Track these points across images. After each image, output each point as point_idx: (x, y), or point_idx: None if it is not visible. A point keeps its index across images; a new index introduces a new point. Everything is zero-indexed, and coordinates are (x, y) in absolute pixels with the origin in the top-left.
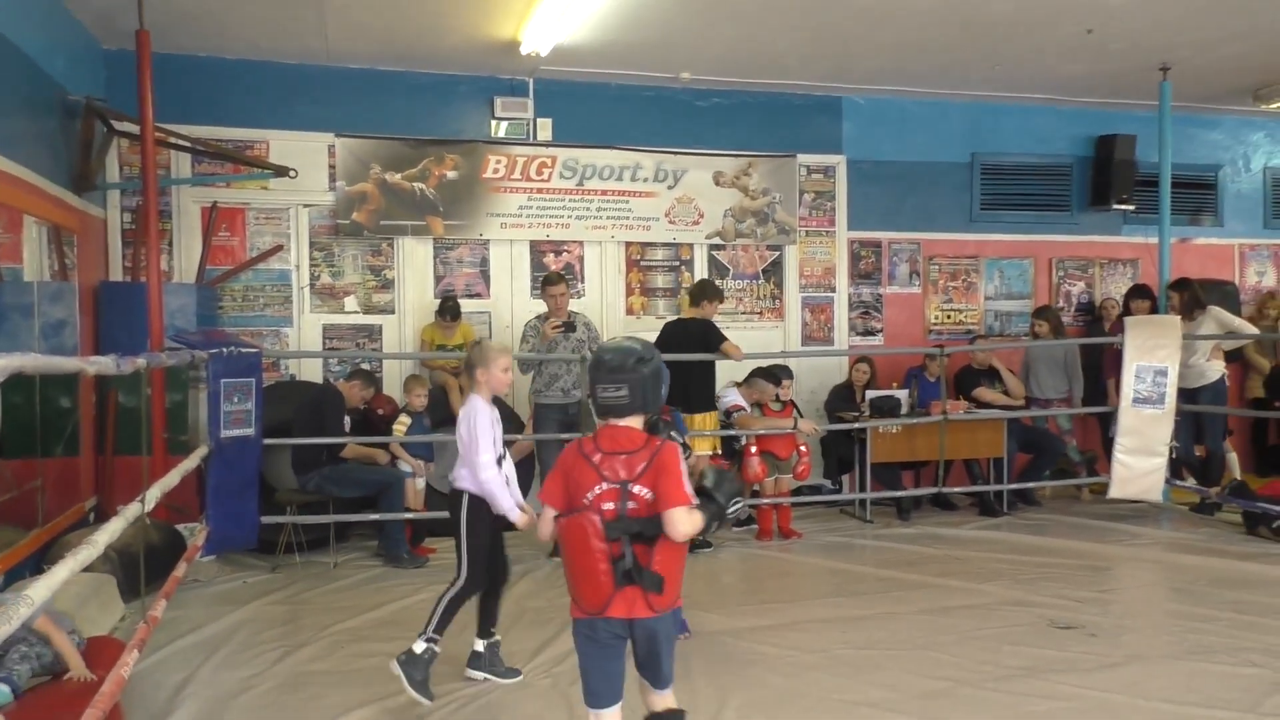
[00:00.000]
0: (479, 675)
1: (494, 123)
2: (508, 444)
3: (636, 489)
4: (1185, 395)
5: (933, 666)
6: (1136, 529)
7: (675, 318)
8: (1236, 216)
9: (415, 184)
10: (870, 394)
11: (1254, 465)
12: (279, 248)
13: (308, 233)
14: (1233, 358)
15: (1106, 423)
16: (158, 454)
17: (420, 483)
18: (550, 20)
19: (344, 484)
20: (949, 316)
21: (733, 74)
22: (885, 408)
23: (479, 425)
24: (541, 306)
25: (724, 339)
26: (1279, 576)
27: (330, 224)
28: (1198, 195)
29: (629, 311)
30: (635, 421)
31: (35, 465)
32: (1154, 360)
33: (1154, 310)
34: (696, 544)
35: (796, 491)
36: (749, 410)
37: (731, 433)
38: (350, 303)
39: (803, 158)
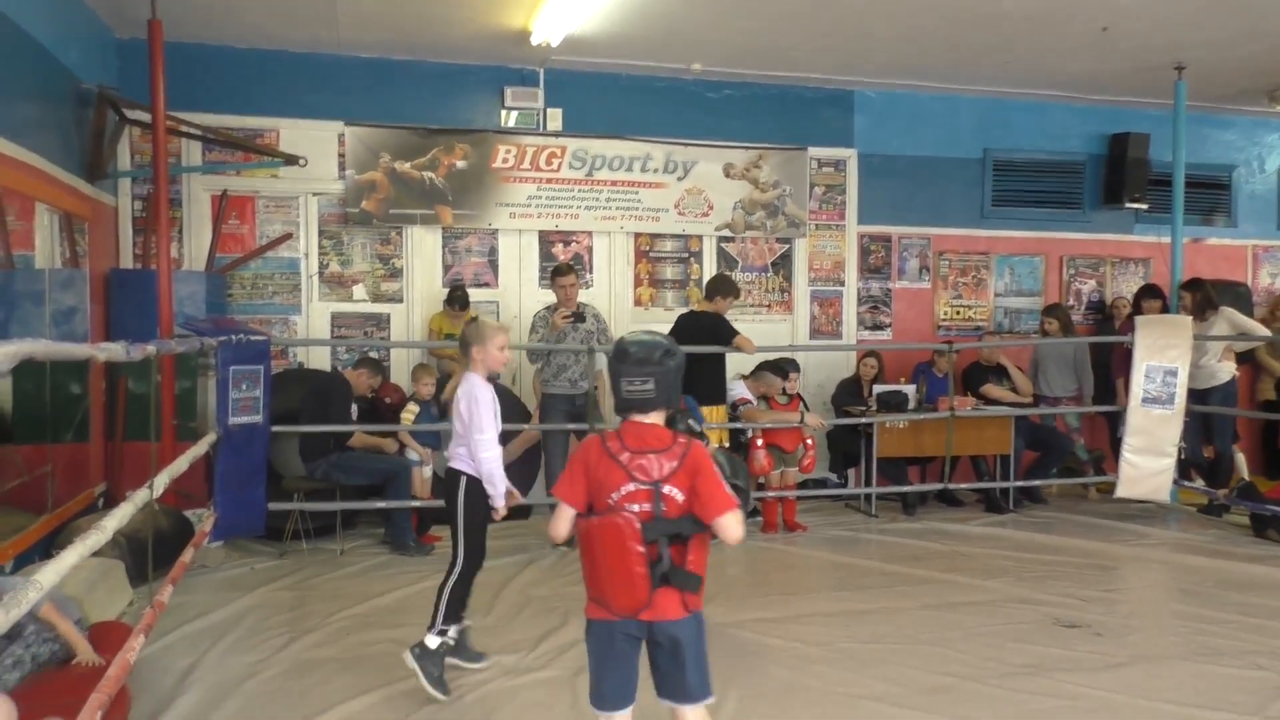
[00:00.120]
0: (411, 663)
1: (504, 112)
2: (512, 433)
3: (668, 490)
4: (1195, 396)
5: (937, 662)
6: (1143, 529)
7: (688, 310)
8: (1250, 217)
9: (424, 173)
10: (878, 389)
11: (1263, 467)
12: (288, 236)
13: (317, 221)
14: (1244, 359)
15: (1114, 422)
16: (167, 440)
17: (427, 471)
18: (561, 10)
19: (351, 472)
20: (958, 312)
21: (744, 66)
22: (892, 403)
23: (480, 403)
24: (550, 297)
25: (736, 333)
26: None
27: (339, 212)
28: (1211, 195)
29: (637, 303)
30: (659, 417)
31: (45, 451)
32: (1164, 360)
33: (1165, 310)
34: None
35: (802, 485)
36: (755, 403)
37: (738, 425)
38: (359, 291)
39: (813, 151)
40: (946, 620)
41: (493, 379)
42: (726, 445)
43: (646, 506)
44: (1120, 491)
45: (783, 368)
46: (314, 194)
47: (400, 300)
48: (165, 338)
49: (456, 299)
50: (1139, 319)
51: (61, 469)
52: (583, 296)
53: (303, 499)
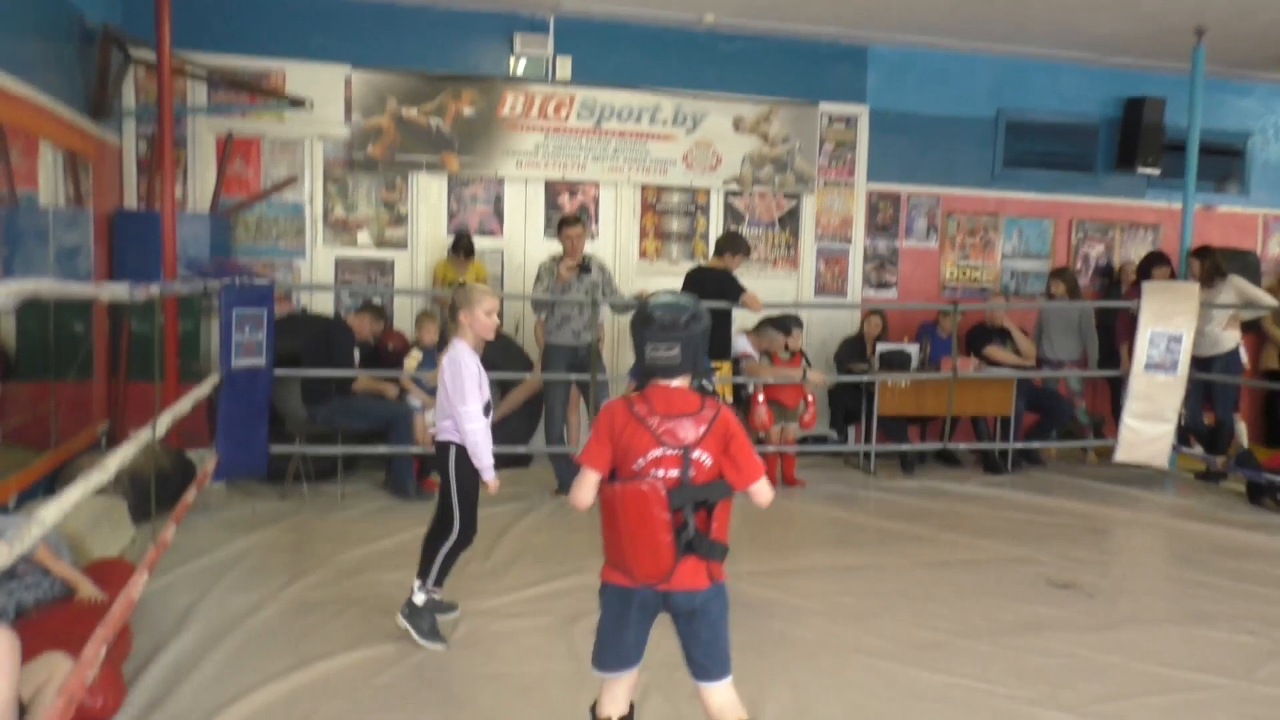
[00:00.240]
0: (403, 623)
1: (512, 59)
2: (513, 383)
3: (697, 455)
4: (1198, 363)
5: (929, 618)
6: (1140, 493)
7: (696, 265)
8: (1263, 186)
9: (431, 119)
10: (881, 347)
11: (1263, 436)
12: (293, 179)
13: (322, 165)
14: (1249, 328)
15: (1116, 387)
16: (170, 381)
17: (429, 417)
18: None
19: (353, 416)
20: (964, 273)
21: (757, 18)
22: (895, 362)
23: (464, 373)
24: (554, 246)
25: (743, 290)
26: None
27: (345, 157)
28: (1225, 162)
29: (643, 255)
30: (684, 381)
31: (48, 388)
32: (1169, 326)
33: (1173, 277)
34: None
35: (802, 441)
36: (758, 358)
37: (740, 380)
38: (363, 237)
39: (825, 106)
40: (940, 578)
41: (483, 345)
42: (730, 401)
43: (674, 472)
44: (1119, 456)
45: (785, 324)
46: (319, 138)
47: (405, 247)
48: (169, 279)
49: (462, 247)
50: (1146, 284)
51: (64, 407)
52: (588, 248)
53: (304, 442)
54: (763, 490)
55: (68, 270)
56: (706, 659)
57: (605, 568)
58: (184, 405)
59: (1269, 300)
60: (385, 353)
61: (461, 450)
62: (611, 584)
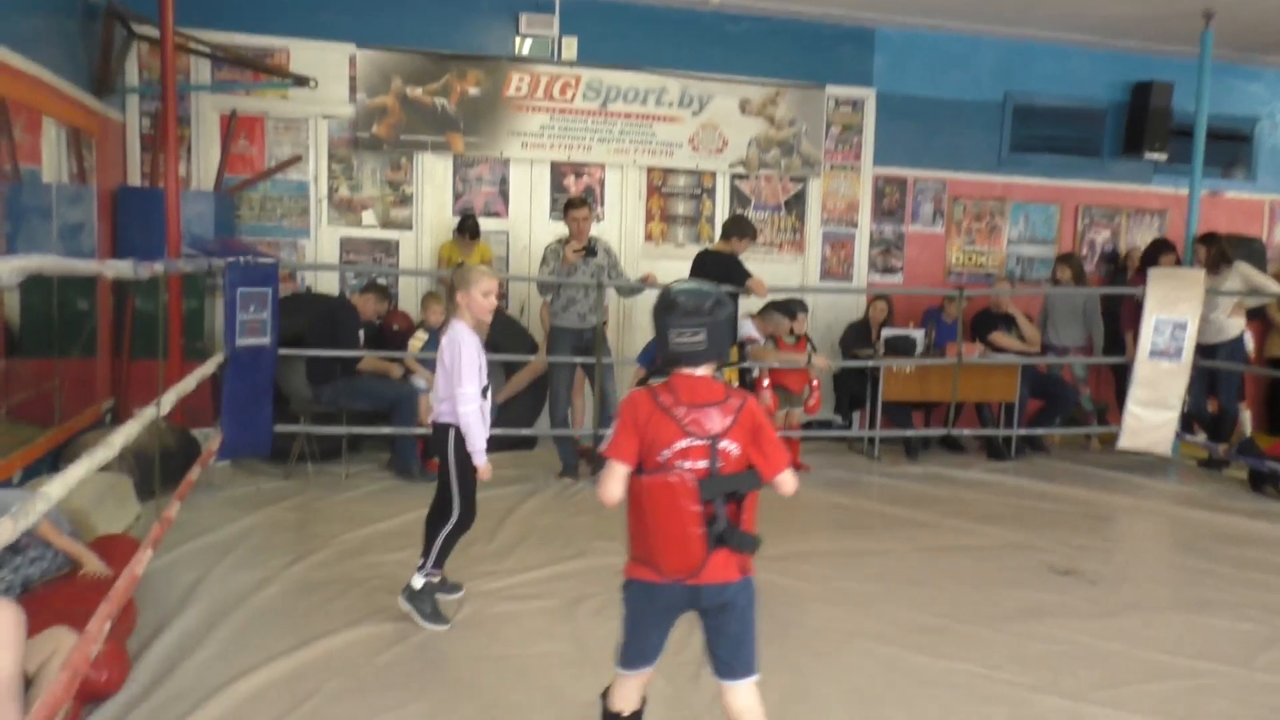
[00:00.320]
0: (405, 605)
1: (518, 39)
2: (518, 366)
3: (725, 445)
4: (1203, 350)
5: (930, 603)
6: (1143, 480)
7: (704, 249)
8: (1271, 172)
9: (436, 99)
10: (886, 332)
11: (1266, 424)
12: (297, 158)
13: (327, 144)
14: (1254, 315)
15: (1121, 374)
16: (174, 359)
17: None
18: None
19: (358, 397)
20: (970, 259)
21: None
22: (900, 347)
23: (464, 354)
24: (560, 229)
25: (749, 274)
26: None
27: (349, 136)
28: (1232, 147)
29: (648, 238)
30: (709, 369)
31: (53, 365)
32: (1174, 313)
33: (1178, 264)
34: None
35: (806, 426)
36: (763, 343)
37: (744, 364)
38: (368, 216)
39: (831, 89)
40: (942, 563)
41: (487, 326)
42: (735, 385)
43: (702, 463)
44: (1122, 443)
45: (790, 308)
46: (324, 117)
47: (410, 227)
48: (173, 257)
49: (468, 228)
50: (1151, 271)
51: (69, 384)
52: (593, 230)
53: (309, 422)
54: (788, 480)
55: (71, 247)
56: (733, 656)
57: (630, 564)
58: (188, 383)
59: (1275, 287)
60: (390, 333)
61: (460, 433)
62: (638, 580)
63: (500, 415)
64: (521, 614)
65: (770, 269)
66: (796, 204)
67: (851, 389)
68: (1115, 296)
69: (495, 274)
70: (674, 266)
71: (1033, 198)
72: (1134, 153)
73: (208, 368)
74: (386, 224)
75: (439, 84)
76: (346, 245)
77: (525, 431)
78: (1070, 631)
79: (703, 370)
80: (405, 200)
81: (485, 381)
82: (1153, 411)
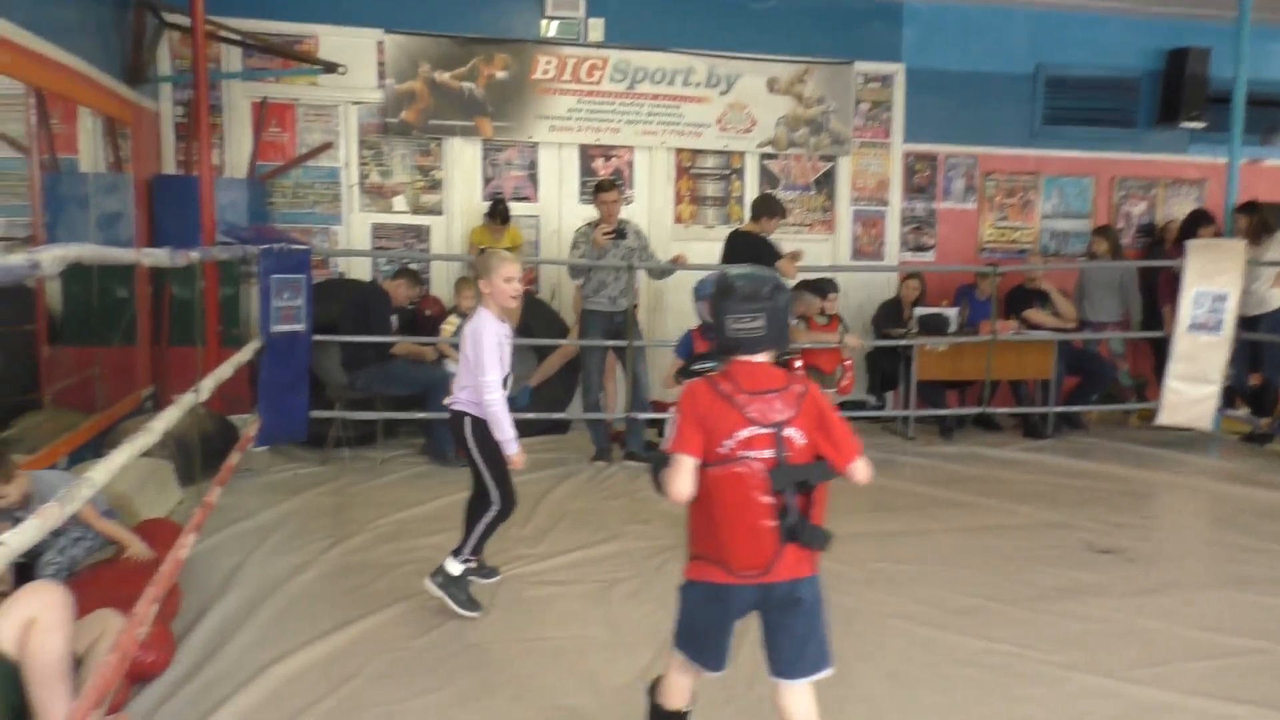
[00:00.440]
0: (436, 590)
1: (544, 22)
2: (550, 349)
3: (789, 433)
4: (1244, 323)
5: (967, 584)
6: (1183, 456)
7: (734, 230)
8: None
9: (464, 84)
10: (919, 311)
11: None
12: (328, 145)
13: (357, 131)
14: None
15: (1159, 348)
16: (211, 346)
17: None
18: None
19: (392, 382)
20: (1004, 235)
21: None
22: (933, 325)
23: (484, 343)
24: (590, 212)
25: (779, 256)
26: None
27: (379, 122)
28: (1272, 114)
29: (678, 220)
30: (768, 356)
31: (94, 353)
32: (1214, 286)
33: (1218, 235)
34: None
35: (839, 406)
36: (794, 323)
37: None
38: (399, 202)
39: (860, 65)
40: (979, 543)
41: (517, 314)
42: None
43: (768, 453)
44: (1162, 418)
45: (821, 288)
46: (353, 103)
47: (440, 213)
48: (208, 245)
49: (498, 213)
50: (1190, 243)
51: (110, 371)
52: (623, 213)
53: (344, 407)
54: (862, 468)
55: (109, 236)
56: (799, 654)
57: (692, 564)
58: (226, 370)
59: None
60: (422, 318)
61: (476, 420)
62: (701, 582)
63: (533, 399)
64: (556, 598)
65: (800, 249)
66: (826, 182)
67: (884, 369)
68: (1152, 270)
69: (518, 259)
70: (704, 248)
71: (1066, 171)
72: (1170, 122)
73: (244, 354)
74: (417, 210)
75: (466, 68)
76: (378, 231)
77: (558, 415)
78: (1109, 610)
79: (762, 357)
80: (435, 185)
81: (507, 370)
82: (1193, 386)
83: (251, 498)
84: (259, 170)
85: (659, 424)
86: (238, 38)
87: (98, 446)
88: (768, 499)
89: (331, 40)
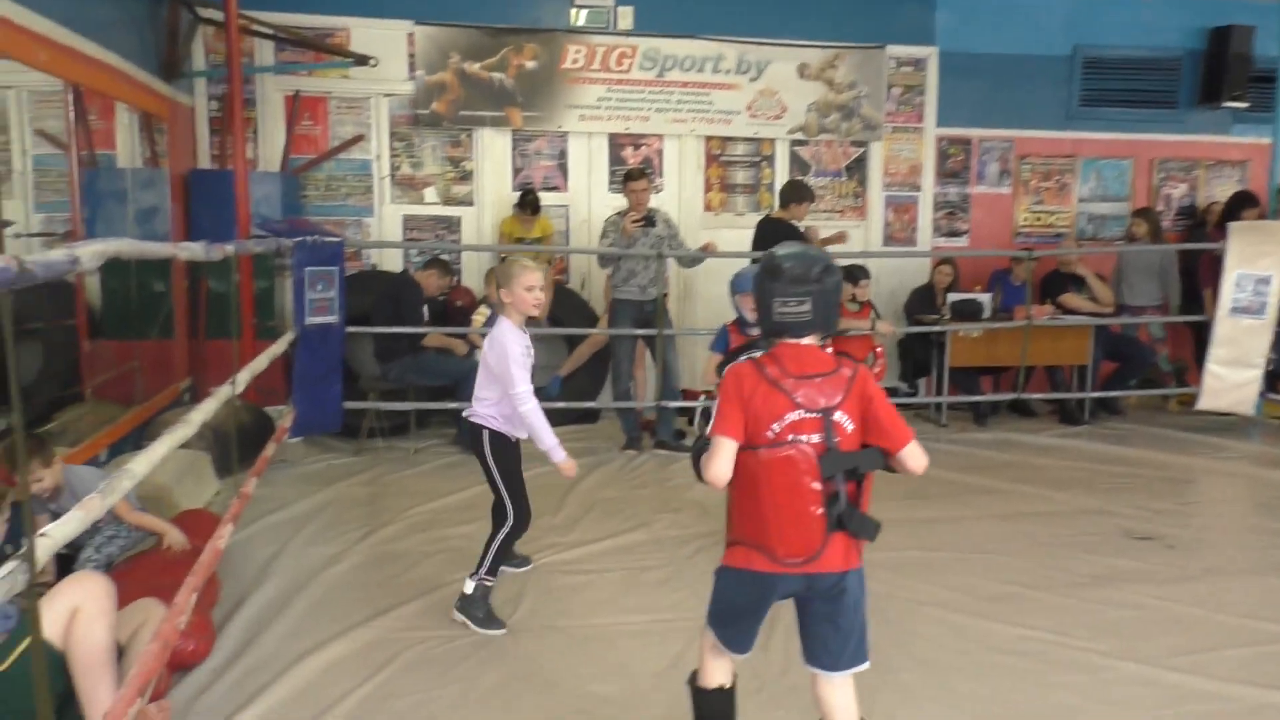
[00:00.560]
0: (459, 617)
1: (574, 11)
2: (580, 339)
3: (838, 417)
4: None
5: (1002, 571)
6: (1223, 442)
7: (766, 215)
8: None
9: (494, 74)
10: (952, 297)
11: None
12: (360, 138)
13: (388, 123)
14: None
15: (1200, 332)
16: (247, 339)
17: None
18: None
19: (424, 373)
20: (1039, 219)
21: None
22: (967, 311)
23: (510, 353)
24: (619, 201)
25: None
26: None
27: (410, 114)
28: None
29: (707, 208)
30: (815, 340)
31: (133, 346)
32: (1257, 268)
33: (1262, 218)
34: None
35: None
36: None
37: None
38: (430, 194)
39: (892, 49)
40: (1014, 530)
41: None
42: None
43: (816, 438)
44: (1202, 403)
45: (853, 274)
46: (385, 95)
47: (471, 204)
48: (243, 238)
49: (528, 203)
50: (1232, 225)
51: (148, 364)
52: (652, 201)
53: (377, 398)
54: (916, 454)
55: (147, 230)
56: (843, 647)
57: (732, 549)
58: (261, 362)
59: None
60: (454, 310)
61: (495, 434)
62: (739, 568)
63: (563, 389)
64: (587, 586)
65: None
66: (858, 168)
67: (917, 355)
68: (1191, 253)
69: (540, 266)
70: (733, 236)
71: (1104, 153)
72: (1212, 101)
73: (279, 346)
74: (448, 201)
75: (496, 58)
76: (409, 223)
77: (588, 405)
78: (1147, 597)
79: (808, 340)
80: (466, 176)
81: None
82: (1234, 370)
83: (287, 488)
84: (292, 163)
85: (689, 413)
86: (270, 32)
87: (137, 439)
88: (817, 485)
89: (362, 33)
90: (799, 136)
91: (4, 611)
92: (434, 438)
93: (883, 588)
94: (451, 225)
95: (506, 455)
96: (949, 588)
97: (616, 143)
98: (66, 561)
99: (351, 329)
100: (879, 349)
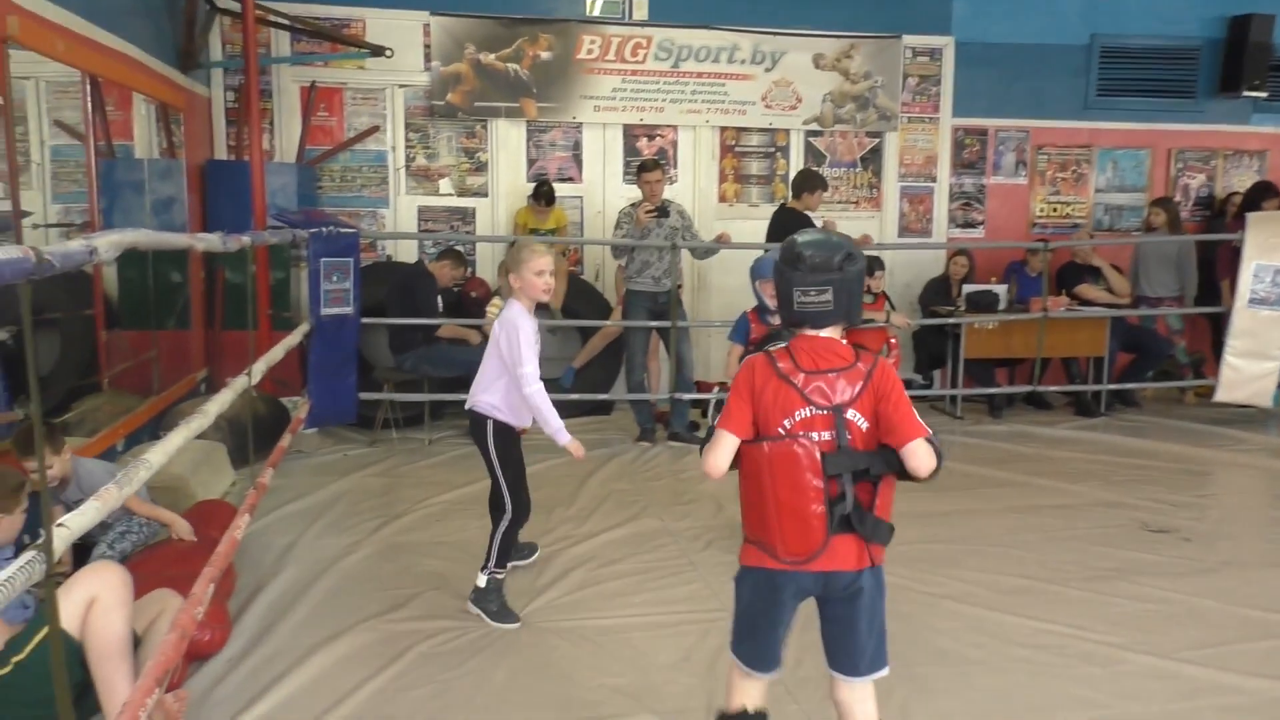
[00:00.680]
0: (474, 609)
1: (589, 1)
2: (592, 330)
3: (851, 415)
4: None
5: (1017, 564)
6: (1241, 434)
7: (781, 204)
8: None
9: (509, 65)
10: (967, 288)
11: None
12: (375, 129)
13: (403, 114)
14: None
15: (1217, 324)
16: (263, 330)
17: None
18: None
19: (438, 364)
20: (1055, 209)
21: None
22: (982, 303)
23: (520, 336)
24: (634, 192)
25: None
26: None
27: (425, 105)
28: None
29: (722, 199)
30: (835, 331)
31: (150, 337)
32: (1275, 259)
33: None
34: None
35: None
36: None
37: None
38: (445, 185)
39: (908, 39)
40: (1029, 523)
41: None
42: None
43: (827, 435)
44: (1220, 395)
45: (868, 266)
46: (400, 86)
47: (485, 195)
48: (259, 229)
49: (542, 194)
50: (1250, 215)
51: (165, 354)
52: (667, 192)
53: (392, 389)
54: (919, 453)
55: (164, 221)
56: (858, 651)
57: (745, 548)
58: (277, 353)
59: None
60: (468, 300)
61: (499, 425)
62: (753, 568)
63: (577, 380)
64: (600, 578)
65: (847, 226)
66: (873, 159)
67: (931, 347)
68: (1209, 244)
69: (550, 250)
70: (748, 227)
71: (1121, 143)
72: (1231, 91)
73: (294, 337)
74: (463, 192)
75: (511, 49)
76: (424, 214)
77: (602, 396)
78: (1164, 590)
79: (829, 332)
80: (480, 167)
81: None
82: (1252, 362)
83: (302, 479)
84: (308, 154)
85: (703, 404)
86: (287, 22)
87: (154, 429)
88: (818, 483)
89: (378, 24)
90: (814, 127)
91: (22, 601)
92: (448, 429)
93: (899, 580)
94: (466, 216)
95: (509, 446)
96: (965, 581)
97: (631, 134)
98: (80, 556)
99: (366, 320)
100: (893, 340)
